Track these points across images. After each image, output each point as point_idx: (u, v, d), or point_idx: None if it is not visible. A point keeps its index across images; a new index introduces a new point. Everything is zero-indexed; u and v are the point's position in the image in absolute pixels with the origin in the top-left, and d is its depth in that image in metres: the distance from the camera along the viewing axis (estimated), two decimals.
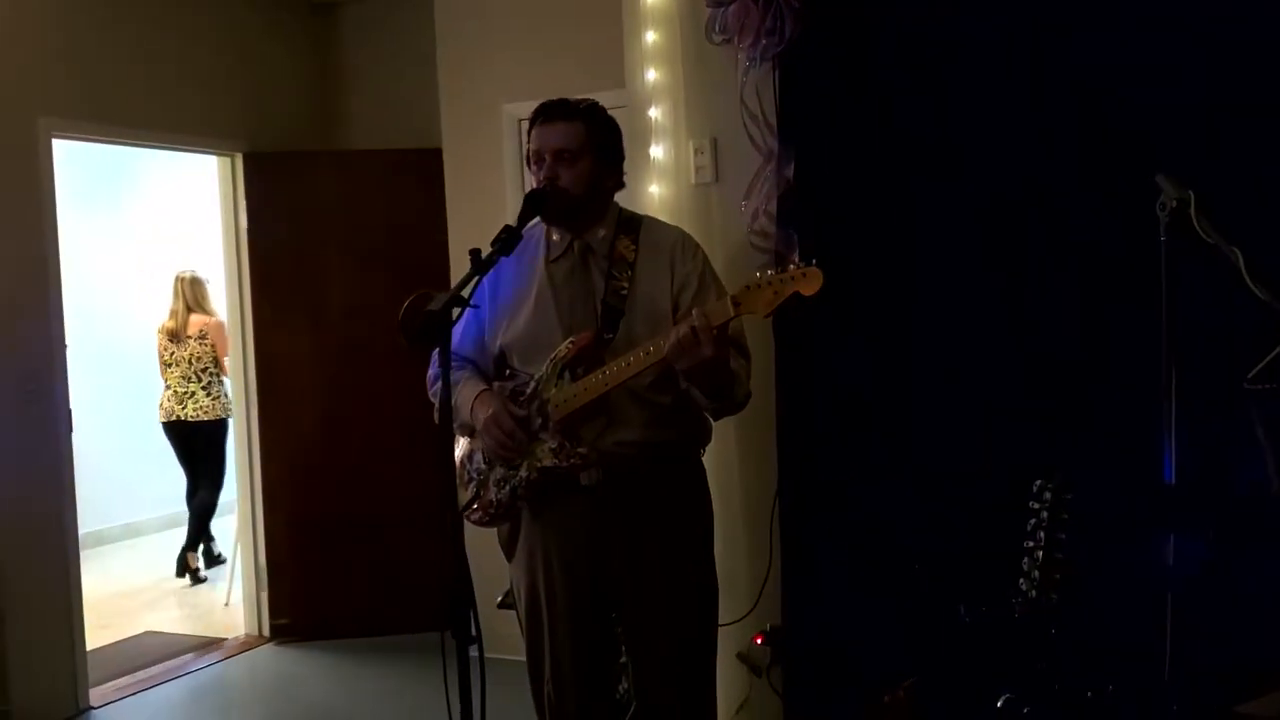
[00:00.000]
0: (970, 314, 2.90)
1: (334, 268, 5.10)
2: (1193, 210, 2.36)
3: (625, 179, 2.57)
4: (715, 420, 2.57)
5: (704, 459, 3.32)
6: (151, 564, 6.85)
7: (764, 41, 3.18)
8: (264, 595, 5.16)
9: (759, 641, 3.31)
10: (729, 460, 3.34)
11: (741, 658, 3.37)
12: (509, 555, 2.58)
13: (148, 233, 7.70)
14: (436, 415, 2.47)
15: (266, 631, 5.16)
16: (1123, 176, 2.66)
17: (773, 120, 3.22)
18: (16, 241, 4.19)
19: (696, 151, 3.38)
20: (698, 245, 2.57)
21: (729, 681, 3.37)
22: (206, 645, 5.11)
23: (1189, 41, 2.68)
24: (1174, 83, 2.68)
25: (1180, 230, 2.36)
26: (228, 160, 5.13)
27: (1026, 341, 2.83)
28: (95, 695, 4.43)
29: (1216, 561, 2.20)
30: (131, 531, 7.48)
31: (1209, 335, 2.53)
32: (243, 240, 5.09)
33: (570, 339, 2.39)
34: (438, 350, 2.55)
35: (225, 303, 5.22)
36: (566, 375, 2.37)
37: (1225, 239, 2.33)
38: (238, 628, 5.28)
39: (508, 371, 2.52)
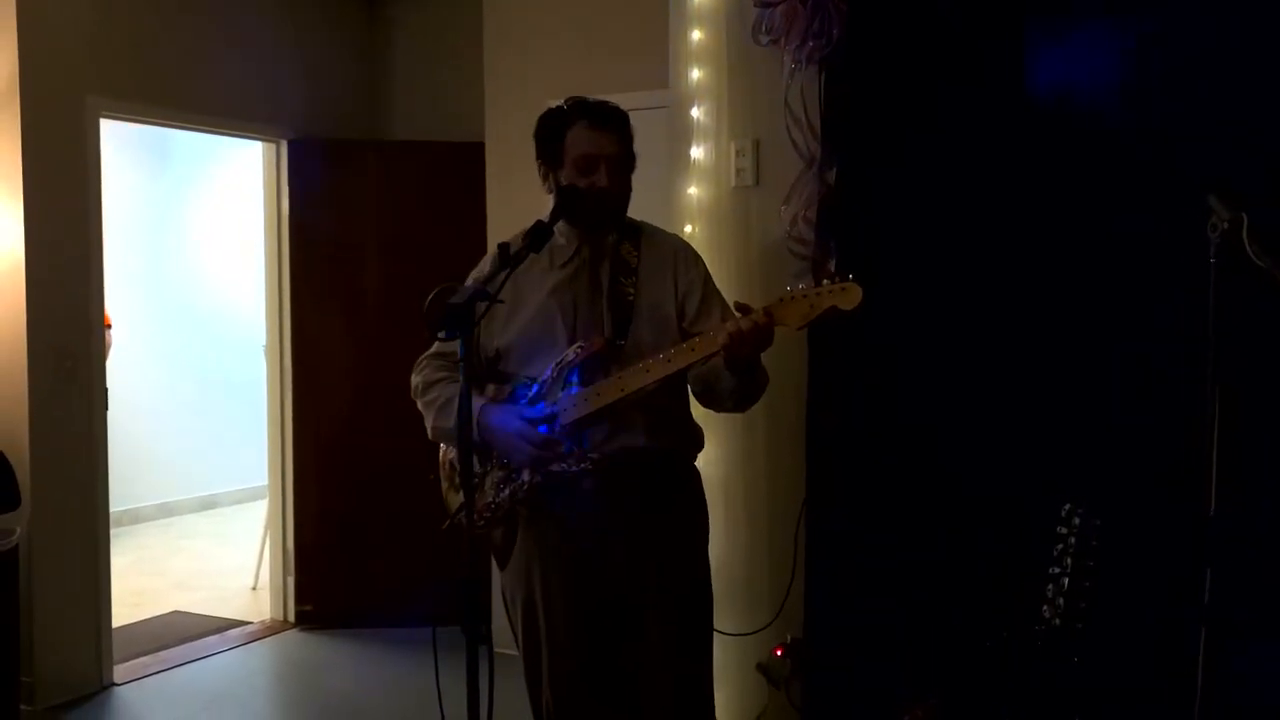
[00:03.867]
0: (1009, 330, 2.83)
1: (373, 257, 5.10)
2: (1245, 233, 2.28)
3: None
4: (729, 408, 2.49)
5: (732, 467, 3.31)
6: (184, 544, 6.91)
7: (810, 44, 3.13)
8: (290, 581, 5.17)
9: (779, 653, 3.26)
10: (756, 469, 3.30)
11: (761, 669, 3.32)
12: (502, 563, 2.55)
13: (202, 216, 7.78)
14: (433, 426, 2.45)
15: (291, 617, 5.17)
16: (1175, 195, 2.58)
17: (816, 124, 3.16)
18: (60, 220, 4.22)
19: (738, 153, 3.33)
20: (697, 255, 2.57)
21: (747, 692, 3.32)
22: (231, 628, 5.13)
23: (1246, 58, 2.60)
24: (1229, 99, 2.60)
25: (1231, 252, 2.29)
26: (273, 146, 5.15)
27: (1067, 361, 2.75)
28: (119, 672, 4.46)
29: (1251, 597, 2.11)
30: (165, 511, 7.55)
31: (1256, 362, 2.44)
32: (284, 226, 5.11)
33: (579, 344, 2.36)
34: (426, 355, 2.56)
35: (265, 287, 5.23)
36: (575, 380, 2.34)
37: (1278, 263, 2.26)
38: (264, 612, 5.30)
39: (504, 375, 2.48)
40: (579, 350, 2.35)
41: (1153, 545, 2.27)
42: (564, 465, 2.34)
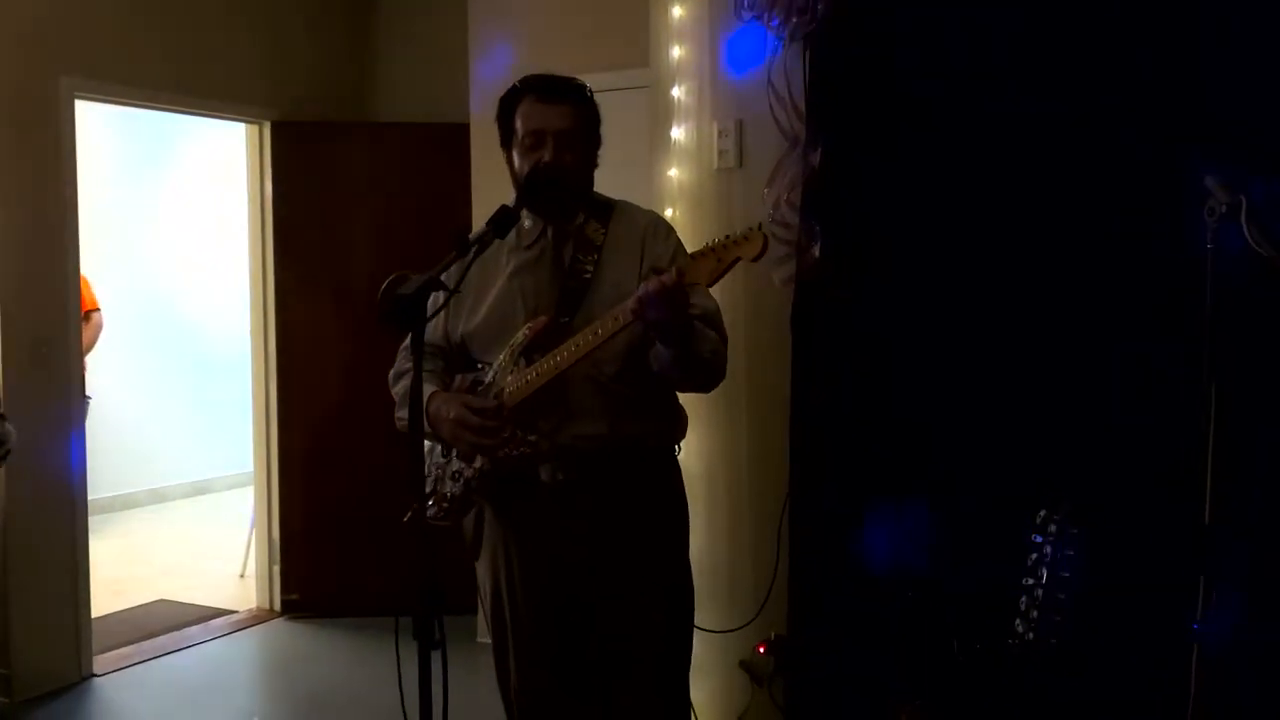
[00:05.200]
0: (999, 324, 2.70)
1: (359, 240, 5.01)
2: (1243, 217, 2.16)
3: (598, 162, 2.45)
4: (688, 386, 2.39)
5: (714, 458, 3.21)
6: (174, 530, 6.85)
7: (794, 20, 3.00)
8: (276, 569, 5.11)
9: (762, 650, 3.17)
10: (738, 461, 3.20)
11: (744, 666, 3.23)
12: (474, 554, 2.47)
13: (186, 200, 7.70)
14: (397, 417, 2.36)
15: (278, 606, 5.10)
16: (1170, 178, 2.46)
17: (800, 104, 3.04)
18: (35, 204, 4.13)
19: (720, 134, 3.21)
20: (671, 228, 2.45)
21: (729, 690, 3.24)
22: (216, 617, 5.07)
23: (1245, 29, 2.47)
24: (1227, 72, 2.48)
25: (1229, 239, 2.17)
26: (256, 128, 5.05)
27: (1059, 357, 2.62)
28: (100, 663, 4.40)
29: (1253, 614, 1.98)
30: (158, 497, 7.49)
31: (1256, 356, 2.33)
32: (268, 209, 5.02)
33: (528, 324, 2.27)
34: (403, 345, 2.47)
35: (249, 272, 5.14)
36: (522, 361, 2.25)
37: None
38: (250, 600, 5.24)
39: (479, 365, 2.40)
40: (526, 332, 2.27)
41: (1148, 549, 2.16)
42: (507, 450, 2.24)
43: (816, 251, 2.97)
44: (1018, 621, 1.77)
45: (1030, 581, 1.78)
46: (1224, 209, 2.18)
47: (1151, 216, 2.55)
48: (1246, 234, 2.15)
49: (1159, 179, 2.53)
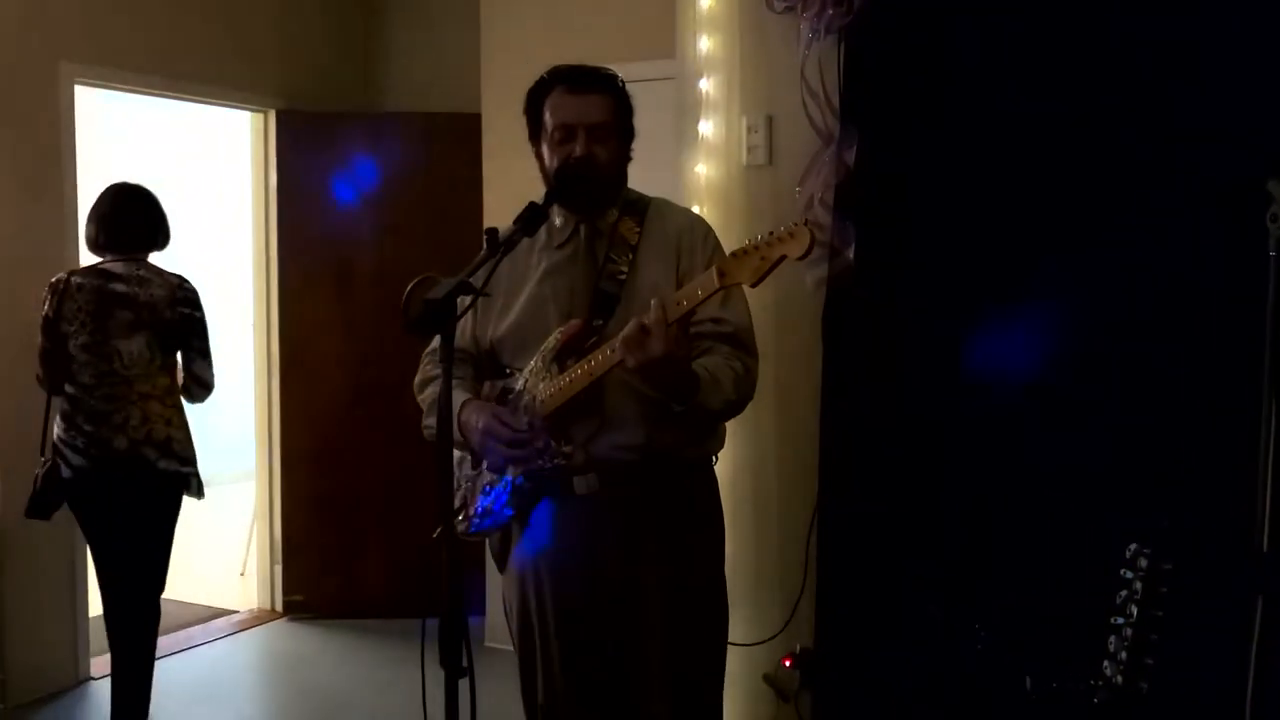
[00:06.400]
0: (1048, 334, 2.59)
1: (365, 232, 4.89)
2: None
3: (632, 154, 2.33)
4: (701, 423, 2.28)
5: (741, 467, 3.10)
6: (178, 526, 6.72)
7: (830, 12, 2.90)
8: (278, 570, 5.00)
9: (788, 664, 3.07)
10: (767, 469, 3.10)
11: (768, 679, 3.13)
12: (500, 567, 2.36)
13: (189, 190, 7.56)
14: (424, 426, 2.24)
15: (279, 607, 4.99)
16: (1229, 182, 2.36)
17: (835, 99, 2.93)
18: (34, 194, 4.00)
19: (750, 130, 3.11)
20: (709, 228, 2.33)
21: (753, 704, 3.15)
22: (217, 617, 4.96)
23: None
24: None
25: None
26: (260, 117, 4.93)
27: (1112, 370, 2.51)
28: (97, 665, 4.27)
29: None
30: None
31: None
32: (272, 200, 4.89)
33: (559, 329, 2.16)
34: (428, 350, 2.35)
35: (251, 265, 5.02)
36: (555, 368, 2.13)
37: None
38: (252, 600, 5.12)
39: (508, 371, 2.28)
40: (558, 336, 2.15)
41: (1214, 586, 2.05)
42: (541, 462, 2.13)
43: (851, 254, 2.87)
44: (1106, 664, 1.65)
45: (1120, 621, 1.66)
46: None
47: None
48: None
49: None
